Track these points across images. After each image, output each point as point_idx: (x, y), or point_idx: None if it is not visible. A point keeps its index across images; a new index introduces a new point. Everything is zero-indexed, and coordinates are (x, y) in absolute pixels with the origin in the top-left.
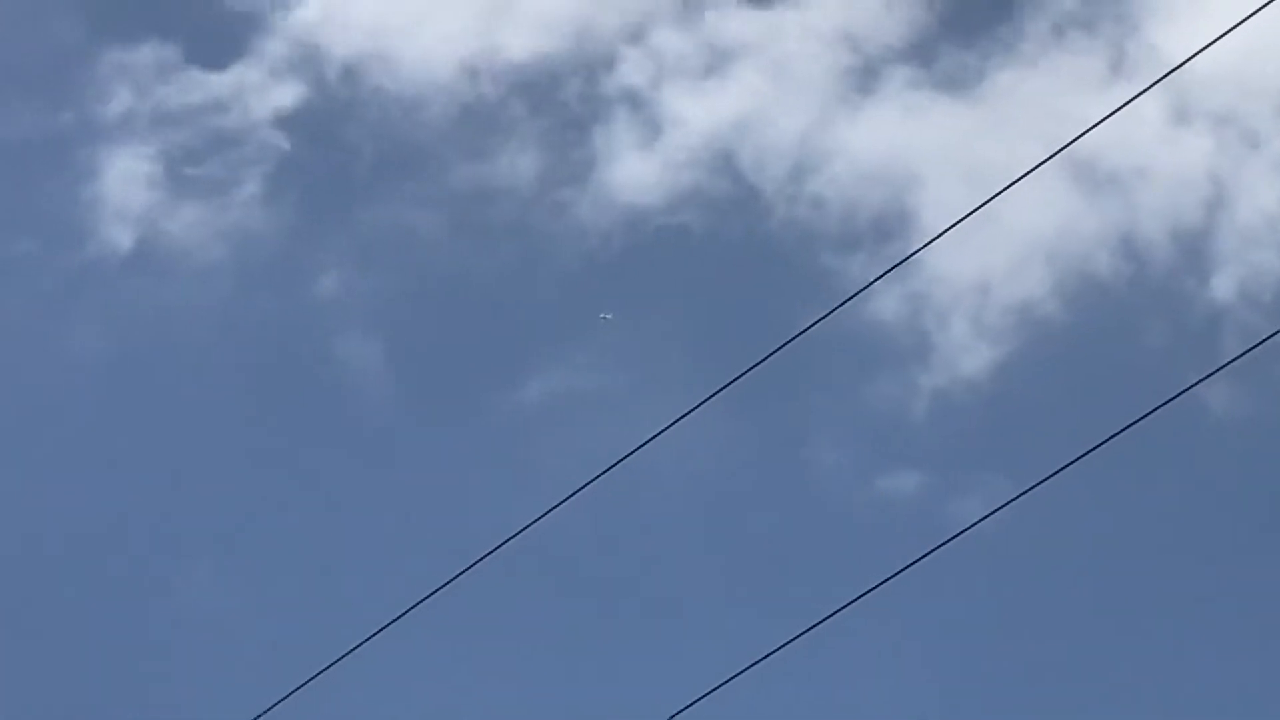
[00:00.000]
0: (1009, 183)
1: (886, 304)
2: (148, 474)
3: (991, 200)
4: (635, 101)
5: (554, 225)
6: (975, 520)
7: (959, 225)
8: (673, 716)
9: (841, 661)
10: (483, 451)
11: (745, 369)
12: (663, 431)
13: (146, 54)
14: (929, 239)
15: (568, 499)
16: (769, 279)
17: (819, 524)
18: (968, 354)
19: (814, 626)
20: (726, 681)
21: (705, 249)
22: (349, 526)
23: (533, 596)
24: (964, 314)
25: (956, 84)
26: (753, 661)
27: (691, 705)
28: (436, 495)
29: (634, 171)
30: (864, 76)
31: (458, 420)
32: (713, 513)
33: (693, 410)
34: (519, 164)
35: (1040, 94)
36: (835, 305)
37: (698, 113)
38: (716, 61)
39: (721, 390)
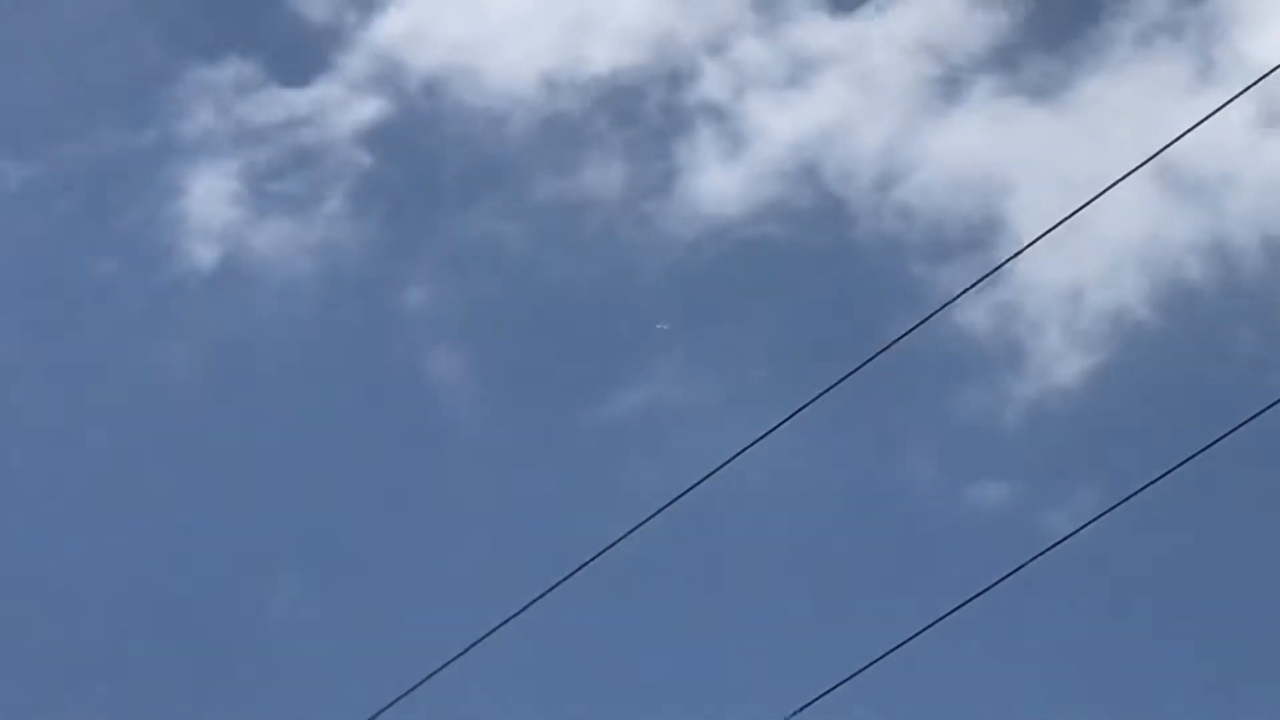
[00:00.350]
0: (1100, 190)
1: (976, 313)
2: (238, 489)
3: (1084, 208)
4: (717, 113)
5: (637, 238)
6: (1069, 533)
7: (1050, 233)
8: None
9: (932, 677)
10: (571, 465)
11: (833, 381)
12: (754, 444)
13: (227, 71)
14: (1019, 247)
15: (657, 513)
16: (855, 290)
17: (909, 537)
18: (1059, 362)
19: (905, 643)
20: (816, 700)
21: (790, 261)
22: (438, 541)
23: (622, 612)
24: (1055, 322)
25: (1042, 91)
26: (843, 679)
27: None
28: (525, 509)
29: (717, 183)
30: (948, 85)
31: (545, 433)
32: (800, 526)
33: (784, 422)
34: (601, 177)
35: (1127, 100)
36: (923, 315)
37: (781, 124)
38: (799, 72)
39: (812, 402)
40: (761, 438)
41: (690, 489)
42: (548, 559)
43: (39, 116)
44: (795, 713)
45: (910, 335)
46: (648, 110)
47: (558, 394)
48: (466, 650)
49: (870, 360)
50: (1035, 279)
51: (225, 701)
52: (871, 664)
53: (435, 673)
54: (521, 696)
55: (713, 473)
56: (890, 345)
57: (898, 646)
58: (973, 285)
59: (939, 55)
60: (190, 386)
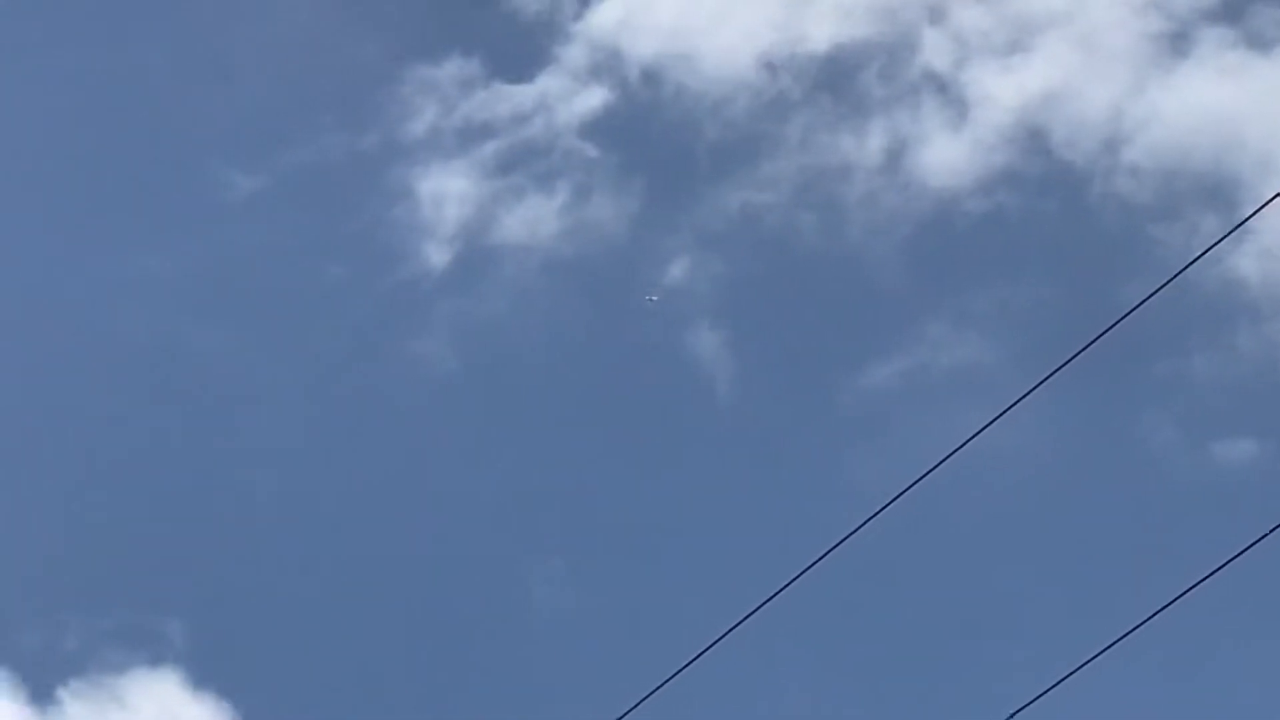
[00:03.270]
0: None
1: (1211, 271)
2: (499, 477)
3: None
4: (941, 83)
5: (865, 215)
6: None
7: None
8: (1019, 710)
9: (1185, 644)
10: (831, 437)
11: (1075, 346)
12: (1001, 415)
13: (449, 70)
14: (1257, 202)
15: (910, 488)
16: (1090, 253)
17: (1157, 498)
18: None
19: (1158, 612)
20: (1072, 674)
21: (1023, 228)
22: (699, 522)
23: (879, 585)
24: None
25: (1270, 42)
26: (1099, 650)
27: (1041, 697)
28: (786, 486)
29: (944, 154)
30: (1174, 40)
31: (806, 408)
32: (1049, 491)
33: (1033, 390)
34: (826, 155)
35: None
36: (1159, 274)
37: (1005, 90)
38: (1021, 36)
39: (1060, 369)
40: (1011, 407)
41: (944, 460)
42: (808, 535)
43: (262, 127)
44: (1050, 688)
45: (1151, 295)
46: (869, 85)
47: (816, 367)
48: (729, 631)
49: (1119, 323)
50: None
51: (494, 686)
52: (1126, 635)
53: (698, 656)
54: (781, 676)
55: (966, 443)
56: (1139, 306)
57: (1152, 616)
58: (1217, 242)
59: (1163, 10)
60: (444, 381)
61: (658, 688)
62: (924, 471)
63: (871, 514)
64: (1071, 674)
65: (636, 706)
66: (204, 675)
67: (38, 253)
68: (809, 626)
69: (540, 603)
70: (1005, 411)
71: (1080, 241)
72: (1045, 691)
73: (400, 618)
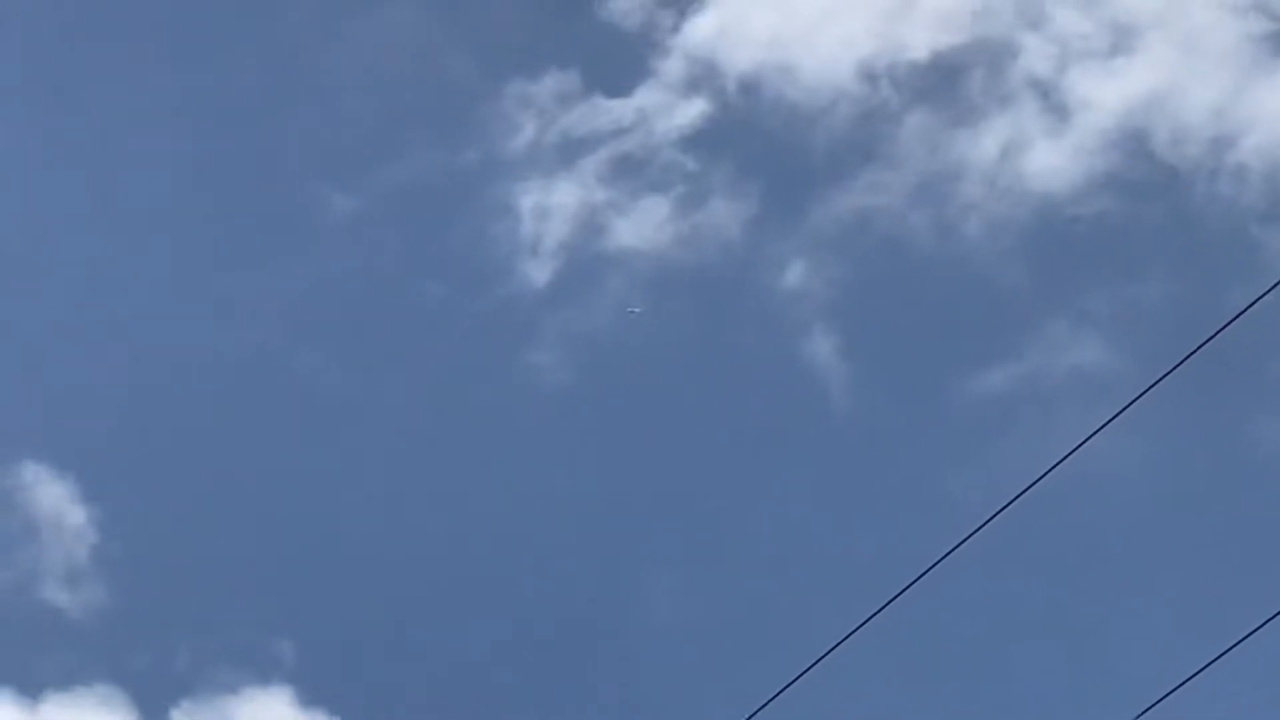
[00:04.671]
0: None
1: None
2: (614, 487)
3: None
4: (1041, 88)
5: (973, 220)
6: None
7: None
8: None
9: None
10: (947, 442)
11: (1185, 350)
12: (1111, 420)
13: (547, 85)
14: None
15: (1021, 495)
16: (1195, 257)
17: (1272, 503)
18: None
19: (1269, 621)
20: (1181, 685)
21: (1128, 233)
22: (814, 528)
23: (994, 593)
24: None
25: None
26: (1208, 661)
27: (1151, 709)
28: (902, 492)
29: (1046, 160)
30: (1278, 41)
31: (922, 413)
32: (1163, 498)
33: (1141, 396)
34: (931, 161)
35: None
36: (1267, 276)
37: (1107, 94)
38: (1121, 39)
39: (1168, 375)
40: (1119, 413)
41: (1055, 466)
42: (923, 542)
43: (360, 146)
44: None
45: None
46: (969, 92)
47: (931, 371)
48: (843, 640)
49: (1228, 325)
50: None
51: (609, 698)
52: (1244, 639)
53: (813, 665)
54: (897, 684)
55: (1075, 449)
56: (1249, 308)
57: (1267, 622)
58: None
59: (1266, 10)
60: (555, 393)
61: (773, 698)
62: (1037, 477)
63: (986, 519)
64: (1181, 685)
65: (756, 713)
66: (315, 694)
67: (138, 275)
68: (923, 635)
69: (655, 613)
70: (1114, 419)
71: (1185, 245)
72: (1154, 704)
73: (514, 631)
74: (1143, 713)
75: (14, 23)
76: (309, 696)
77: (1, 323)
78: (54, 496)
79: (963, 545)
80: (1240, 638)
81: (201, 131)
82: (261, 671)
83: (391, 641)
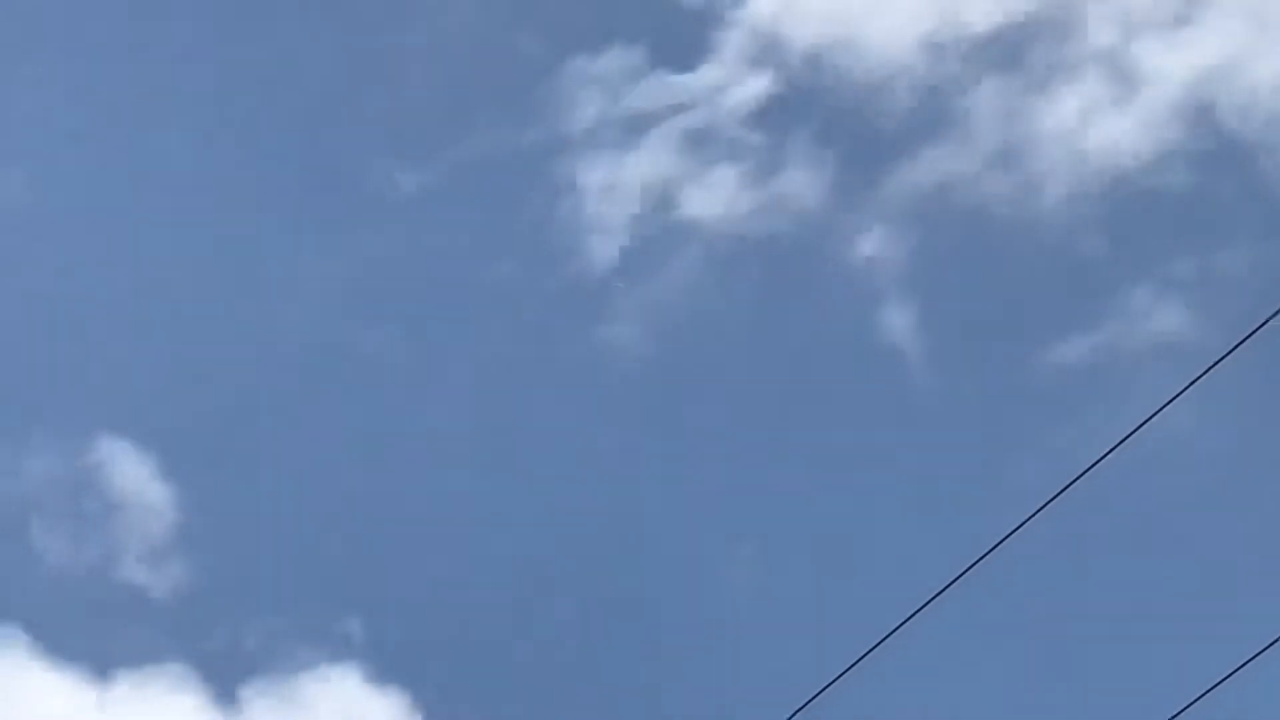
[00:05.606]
0: None
1: None
2: (690, 461)
3: None
4: (1107, 60)
5: (1041, 193)
6: None
7: None
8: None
9: None
10: (1027, 413)
11: (1258, 321)
12: (1181, 393)
13: (611, 61)
14: None
15: (1095, 465)
16: (1265, 230)
17: None
18: None
19: None
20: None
21: (1195, 207)
22: (892, 502)
23: (1073, 565)
24: None
25: None
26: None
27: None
28: (981, 463)
29: (1112, 131)
30: None
31: (999, 385)
32: (1244, 466)
33: (1211, 369)
34: (999, 133)
35: None
36: None
37: (1173, 65)
38: (1188, 10)
39: (1245, 341)
40: (1189, 386)
41: (1138, 428)
42: (1002, 513)
43: (425, 123)
44: (1224, 677)
45: None
46: (1034, 65)
47: (1010, 341)
48: (917, 611)
49: None
50: None
51: (684, 673)
52: None
53: (886, 637)
54: (974, 656)
55: (1157, 412)
56: None
57: None
58: None
59: None
60: (630, 369)
61: (846, 670)
62: (1111, 446)
63: (1062, 488)
64: (1255, 657)
65: (826, 688)
66: (385, 670)
67: (202, 255)
68: (999, 608)
69: (732, 588)
70: (1190, 386)
71: (1261, 214)
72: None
73: (587, 605)
74: (1215, 685)
75: None
76: (379, 673)
77: (77, 300)
78: (135, 473)
79: (1039, 515)
80: None
81: (266, 109)
82: (331, 649)
83: (461, 617)
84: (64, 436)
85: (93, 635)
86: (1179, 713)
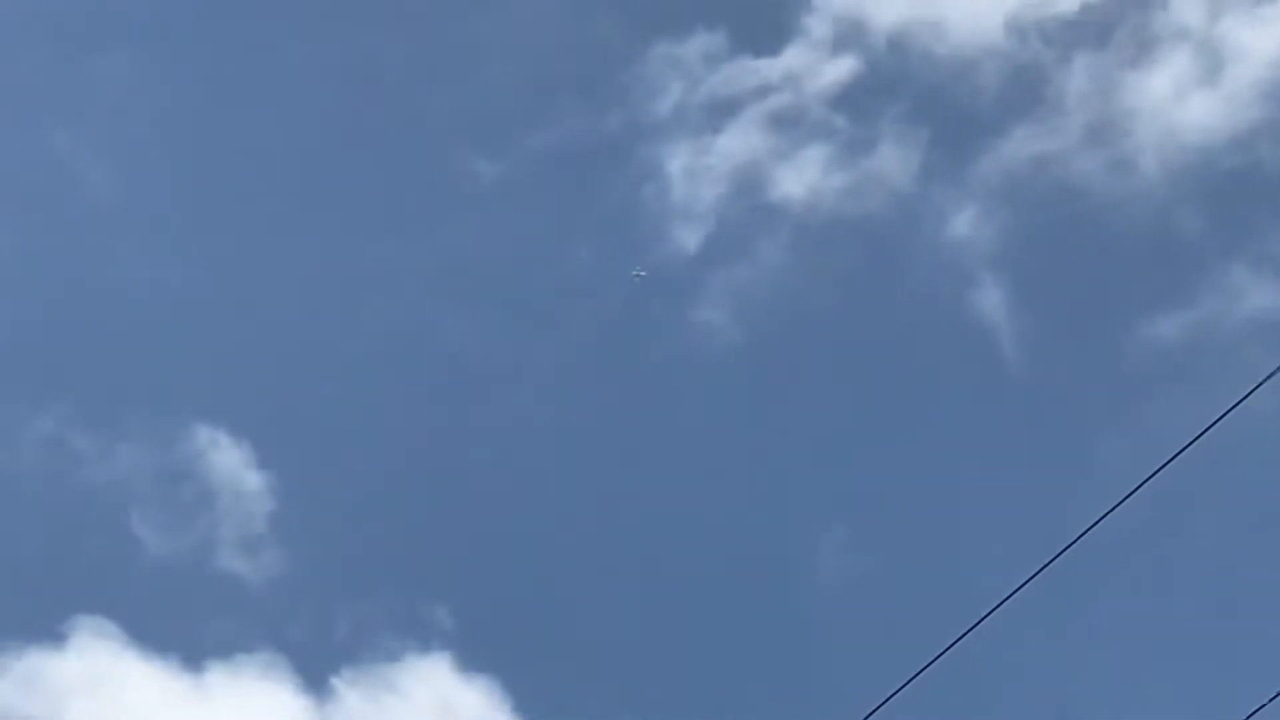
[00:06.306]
0: None
1: None
2: (783, 442)
3: None
4: (1192, 38)
5: (1132, 172)
6: None
7: None
8: None
9: None
10: (1118, 392)
11: None
12: (1277, 371)
13: (694, 46)
14: None
15: (1195, 441)
16: None
17: None
18: None
19: None
20: None
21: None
22: (985, 481)
23: (1163, 543)
24: None
25: None
26: None
27: None
28: (1074, 443)
29: (1198, 109)
30: None
31: (1094, 361)
32: None
33: None
34: (1088, 112)
35: None
36: None
37: (1259, 42)
38: None
39: None
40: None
41: (1228, 411)
42: (1099, 491)
43: (505, 113)
44: None
45: None
46: (1120, 43)
47: (1102, 319)
48: (1014, 593)
49: None
50: None
51: (776, 652)
52: None
53: (985, 619)
54: (1069, 634)
55: (1255, 389)
56: None
57: None
58: None
59: None
60: (722, 350)
61: (942, 653)
62: (1206, 426)
63: (1160, 466)
64: None
65: (921, 672)
66: (474, 658)
67: (290, 246)
68: (1095, 587)
69: (824, 569)
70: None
71: None
72: None
73: (677, 590)
74: None
75: None
76: (469, 661)
77: (173, 293)
78: (230, 462)
79: (1137, 493)
80: None
81: (349, 102)
82: (421, 638)
83: (550, 604)
84: (160, 426)
85: (187, 624)
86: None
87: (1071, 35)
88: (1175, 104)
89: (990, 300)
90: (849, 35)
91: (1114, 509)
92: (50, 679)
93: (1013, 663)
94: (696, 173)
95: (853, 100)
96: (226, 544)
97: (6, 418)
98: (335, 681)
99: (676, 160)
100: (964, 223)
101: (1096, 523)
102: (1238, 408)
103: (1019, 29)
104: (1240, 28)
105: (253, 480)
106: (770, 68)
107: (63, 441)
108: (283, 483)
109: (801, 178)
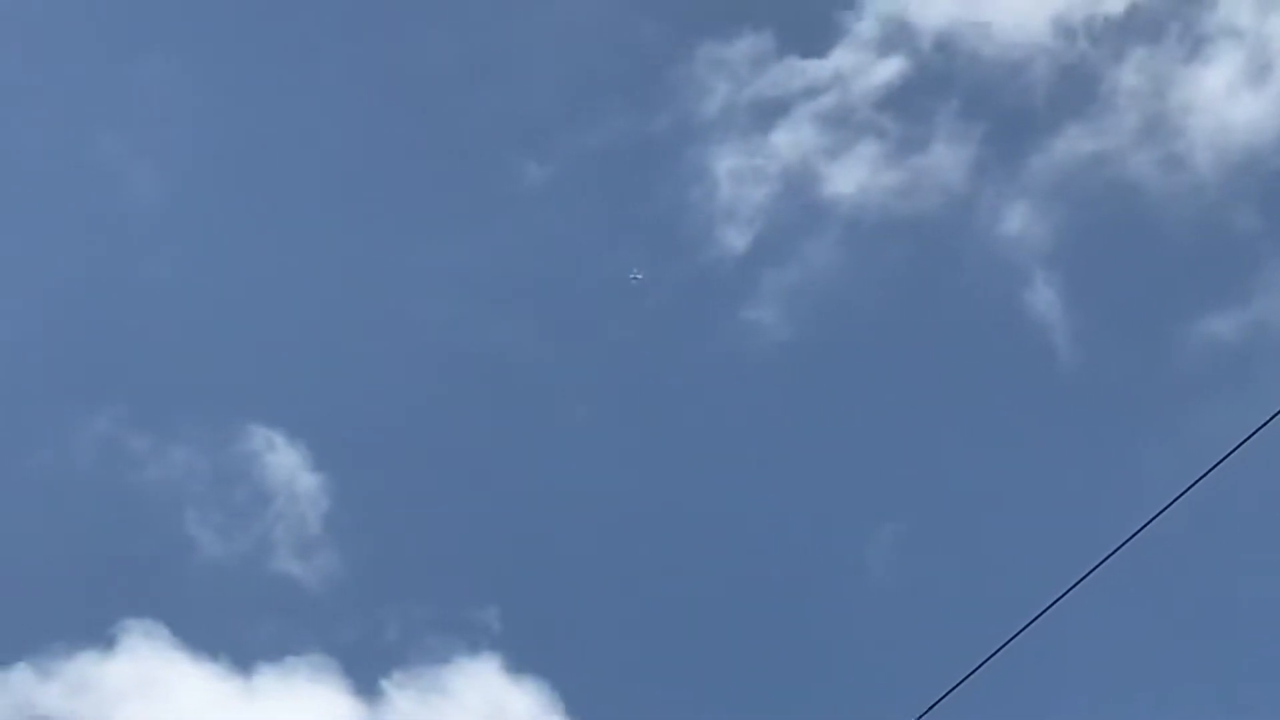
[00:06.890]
0: None
1: None
2: (834, 442)
3: None
4: (1241, 37)
5: (1167, 176)
6: None
7: None
8: None
9: None
10: (1172, 391)
11: None
12: None
13: (740, 47)
14: None
15: (1248, 440)
16: None
17: None
18: None
19: None
20: None
21: None
22: (1037, 482)
23: (1221, 544)
24: None
25: None
26: None
27: None
28: (1127, 443)
29: (1246, 109)
30: None
31: (1148, 360)
32: None
33: None
34: (1128, 113)
35: None
36: None
37: None
38: None
39: None
40: None
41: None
42: (1152, 491)
43: (553, 114)
44: None
45: None
46: (1167, 43)
47: (1156, 317)
48: (1064, 595)
49: None
50: None
51: (825, 654)
52: None
53: (1034, 620)
54: (1119, 637)
55: None
56: None
57: None
58: None
59: None
60: (769, 354)
61: (991, 656)
62: (1260, 424)
63: (1211, 465)
64: None
65: (970, 675)
66: (524, 660)
67: (340, 249)
68: (1148, 587)
69: (874, 569)
70: None
71: None
72: None
73: (727, 590)
74: None
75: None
76: (518, 663)
77: (226, 294)
78: (286, 464)
79: (1190, 492)
80: None
81: (395, 105)
82: (470, 640)
83: (600, 607)
84: (215, 428)
85: (238, 626)
86: None
87: (1119, 35)
88: (1227, 101)
89: (1043, 299)
90: (896, 36)
91: (1165, 509)
92: (100, 682)
93: (1060, 665)
94: (745, 174)
95: (902, 100)
96: (282, 546)
97: (60, 420)
98: (385, 684)
99: (724, 161)
100: (1016, 221)
101: (1148, 523)
102: None
103: (1066, 29)
104: None
105: (308, 481)
106: (818, 69)
107: (117, 443)
108: (337, 484)
109: (852, 176)
